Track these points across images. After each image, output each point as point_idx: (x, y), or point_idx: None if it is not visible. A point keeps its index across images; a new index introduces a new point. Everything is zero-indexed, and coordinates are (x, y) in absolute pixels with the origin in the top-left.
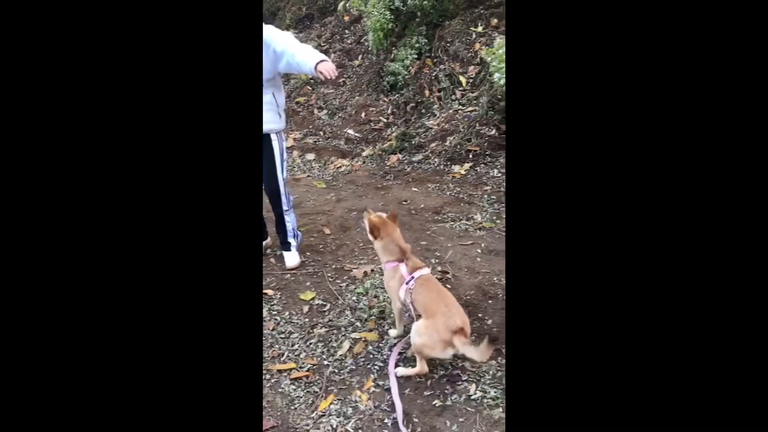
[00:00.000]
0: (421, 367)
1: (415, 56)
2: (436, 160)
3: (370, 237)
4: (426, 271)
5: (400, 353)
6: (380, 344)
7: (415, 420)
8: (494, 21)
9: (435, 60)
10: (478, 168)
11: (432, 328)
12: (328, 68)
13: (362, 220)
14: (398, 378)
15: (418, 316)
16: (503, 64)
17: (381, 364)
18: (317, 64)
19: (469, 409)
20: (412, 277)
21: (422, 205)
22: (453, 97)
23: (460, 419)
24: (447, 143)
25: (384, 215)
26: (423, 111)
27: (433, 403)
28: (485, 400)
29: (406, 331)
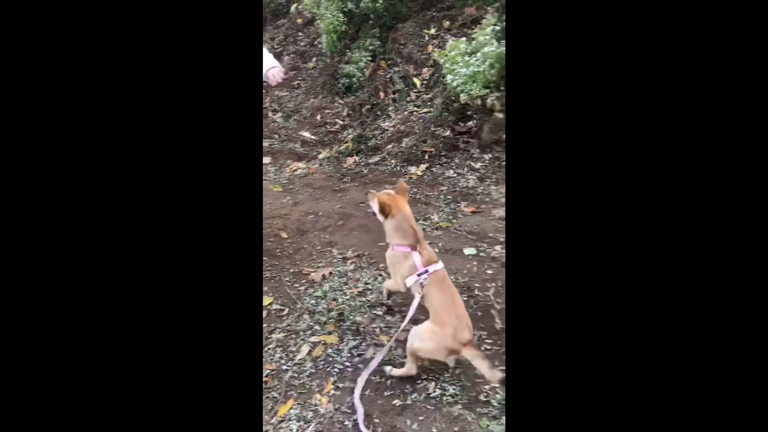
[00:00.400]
0: (408, 368)
1: (369, 58)
2: (392, 161)
3: (380, 217)
4: (440, 266)
5: (366, 358)
6: (339, 347)
7: (376, 420)
8: (446, 23)
9: (389, 62)
10: (433, 169)
11: (439, 336)
12: (273, 74)
13: (369, 201)
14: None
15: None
16: (455, 66)
17: (341, 367)
18: (267, 70)
19: (428, 407)
20: (426, 271)
21: None
22: (408, 98)
23: (420, 417)
24: (403, 145)
25: (391, 192)
26: (378, 113)
27: (393, 402)
28: (444, 398)
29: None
